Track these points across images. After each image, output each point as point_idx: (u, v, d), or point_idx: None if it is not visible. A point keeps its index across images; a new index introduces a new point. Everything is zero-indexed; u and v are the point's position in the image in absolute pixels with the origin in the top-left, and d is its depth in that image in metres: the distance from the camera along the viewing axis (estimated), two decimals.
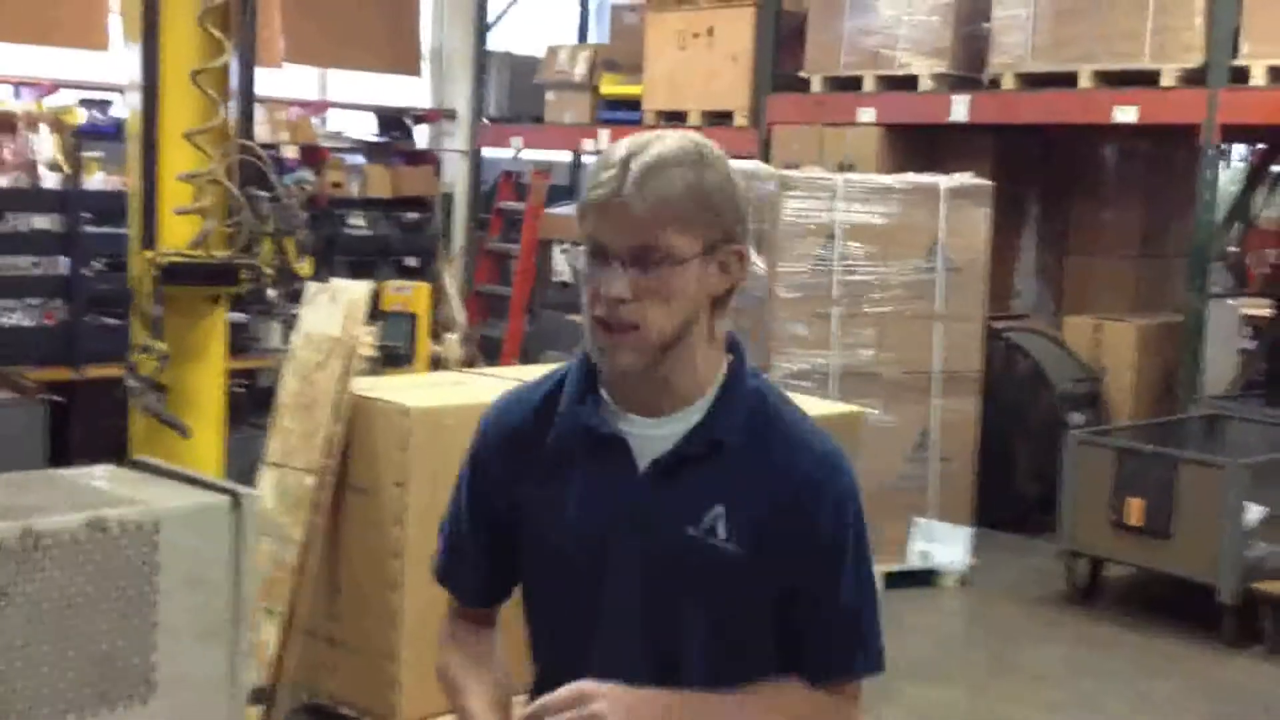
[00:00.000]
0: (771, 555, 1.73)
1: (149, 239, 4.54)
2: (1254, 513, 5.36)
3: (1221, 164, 11.32)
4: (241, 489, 1.93)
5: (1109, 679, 5.02)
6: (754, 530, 1.73)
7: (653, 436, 1.75)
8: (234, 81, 4.95)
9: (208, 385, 4.83)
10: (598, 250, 1.68)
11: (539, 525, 1.81)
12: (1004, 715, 4.72)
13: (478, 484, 1.89)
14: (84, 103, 7.77)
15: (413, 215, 9.43)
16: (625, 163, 1.66)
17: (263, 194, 4.84)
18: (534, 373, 5.00)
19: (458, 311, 9.51)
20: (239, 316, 5.51)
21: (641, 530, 1.74)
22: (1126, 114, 6.68)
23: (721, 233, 1.70)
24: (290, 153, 8.70)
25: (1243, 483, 5.31)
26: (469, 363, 8.03)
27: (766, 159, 7.64)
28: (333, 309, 4.01)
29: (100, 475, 2.06)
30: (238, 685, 1.93)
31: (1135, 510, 5.53)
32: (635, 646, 1.77)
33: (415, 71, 10.14)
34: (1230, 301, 8.64)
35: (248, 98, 4.94)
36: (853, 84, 7.78)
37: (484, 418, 1.91)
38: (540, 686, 1.81)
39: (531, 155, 10.10)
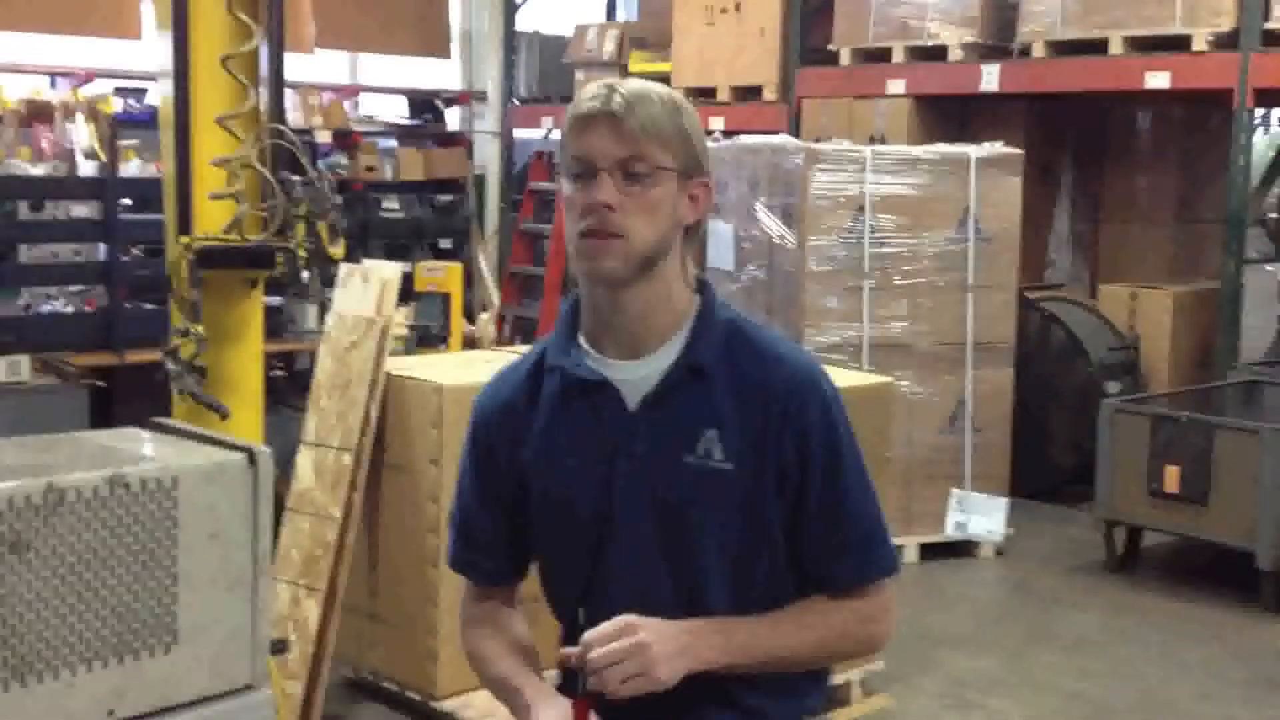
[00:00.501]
0: (769, 469, 1.81)
1: (184, 224, 4.60)
2: None
3: (1259, 129, 11.24)
4: (257, 447, 2.00)
5: (1146, 646, 5.01)
6: (748, 447, 1.80)
7: (638, 378, 1.83)
8: (264, 66, 5.01)
9: (245, 367, 4.90)
10: (585, 166, 1.77)
11: (544, 481, 1.88)
12: (1042, 683, 4.73)
13: (481, 465, 1.95)
14: (119, 91, 7.85)
15: (446, 197, 9.48)
16: (610, 88, 1.78)
17: (295, 178, 4.90)
18: None
19: (492, 291, 9.56)
20: (275, 300, 5.57)
21: (641, 465, 1.82)
22: (1158, 79, 6.63)
23: (695, 162, 1.82)
24: (323, 137, 8.77)
25: None
26: (503, 341, 8.08)
27: (796, 133, 7.64)
28: (365, 290, 4.06)
29: (122, 437, 2.14)
30: (258, 635, 2.00)
31: (1172, 478, 5.52)
32: (655, 582, 1.83)
33: (445, 54, 10.17)
34: (1269, 267, 8.58)
35: (278, 82, 4.99)
36: (882, 55, 7.76)
37: (476, 400, 1.99)
38: (570, 638, 1.85)
39: None
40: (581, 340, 1.88)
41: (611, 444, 1.83)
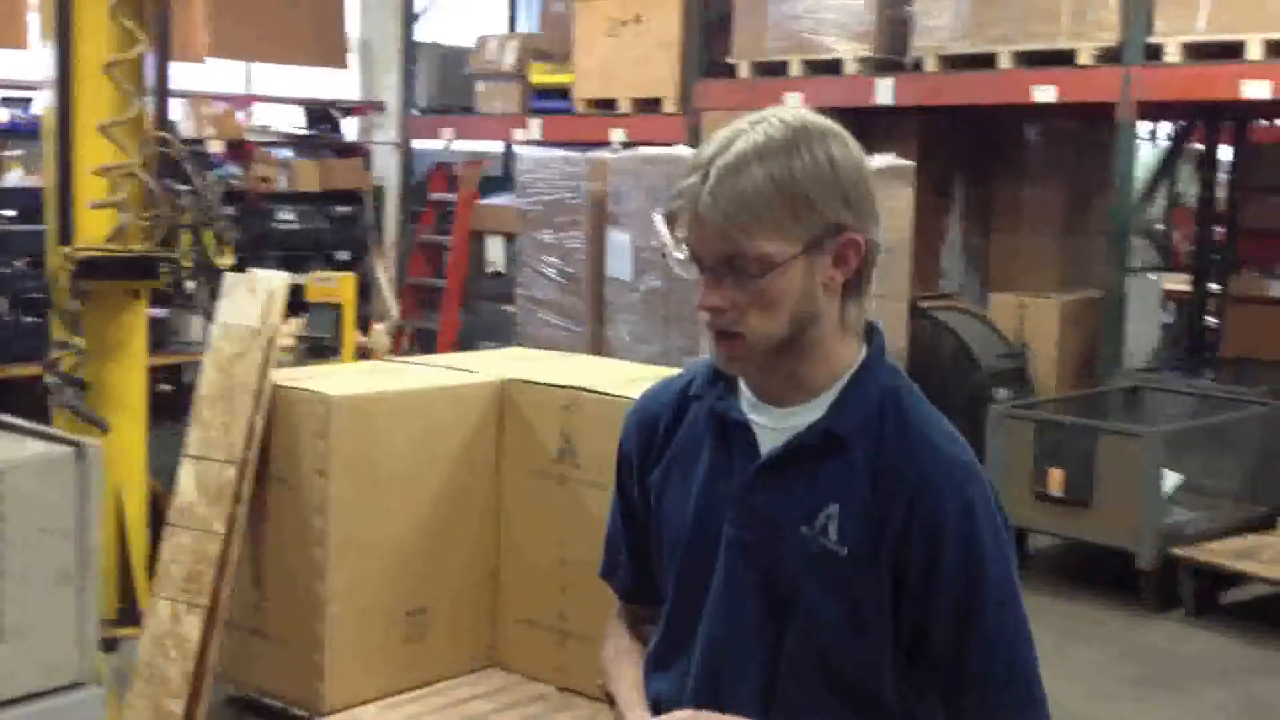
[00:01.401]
0: (889, 562, 1.59)
1: (65, 234, 4.51)
2: (1171, 480, 5.48)
3: (1148, 143, 11.55)
4: (86, 440, 1.97)
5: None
6: (867, 533, 1.59)
7: (780, 427, 1.66)
8: (150, 74, 4.94)
9: (129, 381, 4.81)
10: (692, 257, 1.60)
11: (667, 511, 1.76)
12: None
13: (622, 478, 1.87)
14: (4, 101, 7.68)
15: (343, 208, 9.39)
16: (707, 165, 1.56)
17: (181, 187, 4.83)
18: (470, 361, 4.97)
19: (391, 303, 9.49)
20: (159, 312, 5.47)
21: (754, 522, 1.66)
22: (1045, 93, 6.78)
23: (824, 225, 1.56)
24: (216, 148, 8.64)
25: (1160, 451, 5.43)
26: (401, 353, 8.02)
27: (697, 144, 7.67)
28: (251, 300, 4.00)
29: None
30: (87, 631, 1.97)
31: (1057, 481, 5.64)
32: (742, 645, 1.67)
33: (342, 64, 10.09)
34: (1152, 276, 8.80)
35: (164, 90, 4.92)
36: (780, 69, 7.85)
37: (629, 410, 1.87)
38: (656, 662, 1.79)
39: (463, 146, 10.08)
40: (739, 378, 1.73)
41: (733, 492, 1.67)
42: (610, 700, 1.83)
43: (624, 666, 1.83)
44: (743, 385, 1.70)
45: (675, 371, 1.90)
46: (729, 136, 1.58)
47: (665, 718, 1.62)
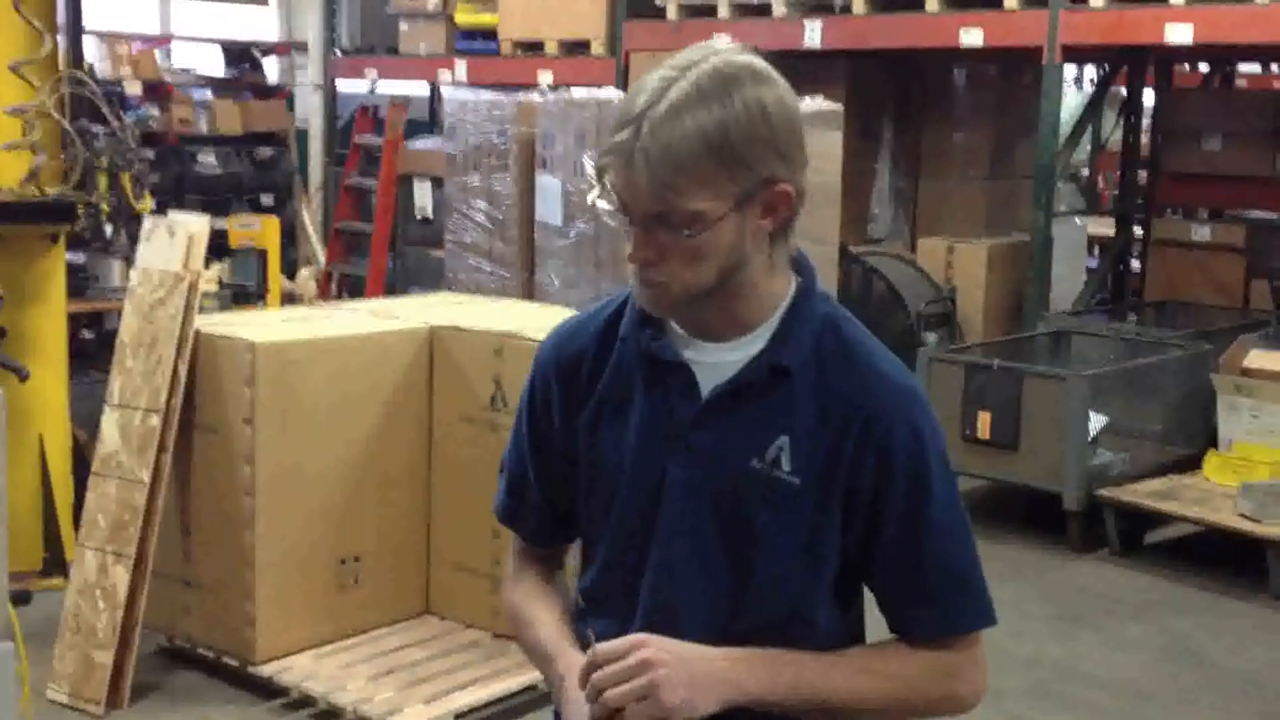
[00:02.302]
0: (837, 491, 1.61)
1: None
2: (1096, 422, 5.56)
3: (1075, 87, 11.64)
4: None
5: None
6: (820, 463, 1.61)
7: (718, 363, 1.64)
8: (62, 12, 4.79)
9: (48, 327, 4.72)
10: (622, 208, 1.57)
11: (598, 453, 1.71)
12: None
13: (536, 418, 1.79)
14: None
15: (266, 151, 9.23)
16: (639, 118, 1.51)
17: (97, 128, 4.70)
18: (398, 307, 4.91)
19: (317, 248, 9.35)
20: (78, 257, 5.34)
21: (702, 461, 1.64)
22: (972, 36, 6.79)
23: (756, 178, 1.54)
24: (134, 89, 8.44)
25: (1084, 393, 5.50)
26: (328, 298, 7.91)
27: (625, 87, 7.62)
28: (171, 244, 3.91)
29: None
30: None
31: (984, 424, 5.70)
32: (690, 591, 1.66)
33: (262, 1, 9.86)
34: (1078, 221, 8.90)
35: (77, 28, 4.79)
36: (709, 10, 7.78)
37: (540, 348, 1.79)
38: (590, 607, 1.74)
39: (388, 87, 9.91)
40: None
41: (674, 431, 1.65)
42: (527, 644, 1.78)
43: (540, 610, 1.78)
44: (672, 323, 1.67)
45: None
46: (660, 86, 1.53)
47: (614, 642, 1.57)
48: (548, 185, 6.40)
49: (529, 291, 6.53)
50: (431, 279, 7.64)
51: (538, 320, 4.09)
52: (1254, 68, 11.26)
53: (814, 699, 1.61)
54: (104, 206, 4.49)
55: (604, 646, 1.56)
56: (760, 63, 1.59)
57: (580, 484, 1.76)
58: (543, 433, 1.78)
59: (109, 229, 4.56)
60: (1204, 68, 10.06)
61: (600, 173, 1.58)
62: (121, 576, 3.79)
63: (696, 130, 1.50)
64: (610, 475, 1.70)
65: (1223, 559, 5.41)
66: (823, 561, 1.65)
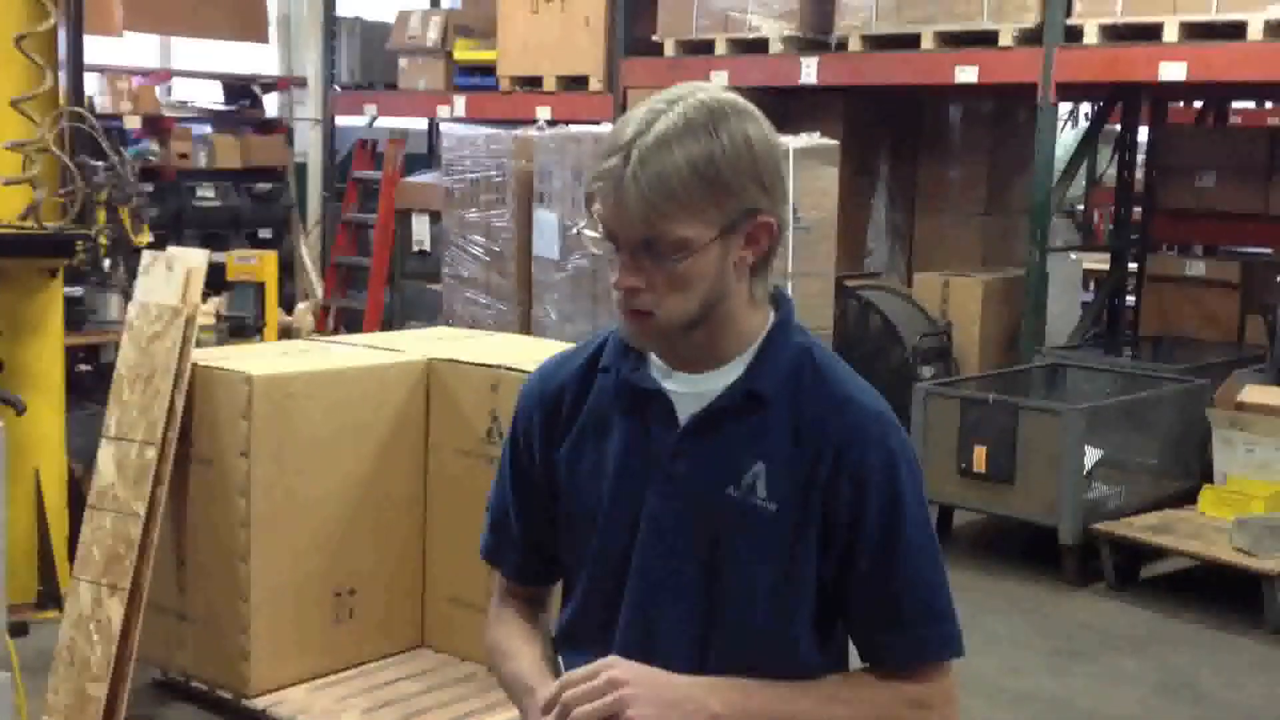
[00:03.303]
0: (814, 519, 1.64)
1: None
2: (1091, 456, 5.57)
3: (1069, 124, 11.71)
4: None
5: None
6: (796, 490, 1.63)
7: (696, 393, 1.67)
8: (63, 48, 4.82)
9: (46, 361, 4.73)
10: (609, 236, 1.60)
11: (577, 484, 1.74)
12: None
13: (519, 457, 1.81)
14: None
15: (265, 186, 9.26)
16: (628, 146, 1.56)
17: (96, 163, 4.74)
18: (395, 340, 4.92)
19: (314, 282, 9.38)
20: (76, 290, 5.36)
21: (679, 490, 1.66)
22: (967, 74, 6.84)
23: (740, 209, 1.58)
24: (134, 124, 8.47)
25: (1080, 427, 5.51)
26: (326, 333, 7.93)
27: None
28: (169, 278, 3.93)
29: None
30: None
31: (980, 457, 5.70)
32: (667, 621, 1.68)
33: (263, 38, 9.92)
34: (1073, 256, 8.94)
35: (78, 64, 4.82)
36: (705, 47, 7.84)
37: (525, 384, 1.83)
38: (566, 642, 1.75)
39: (387, 123, 9.97)
40: None
41: (653, 460, 1.67)
42: (505, 678, 1.78)
43: (520, 644, 1.79)
44: (652, 355, 1.71)
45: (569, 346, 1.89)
46: (647, 117, 1.57)
47: (586, 668, 1.58)
48: (545, 220, 6.44)
49: (526, 325, 6.56)
50: (429, 313, 7.66)
51: (534, 354, 4.10)
52: (1248, 104, 11.33)
53: None
54: (103, 240, 4.52)
55: (575, 672, 1.58)
56: (742, 100, 1.64)
57: (560, 518, 1.77)
58: (525, 469, 1.81)
59: (107, 263, 4.59)
60: (1198, 104, 10.13)
61: (589, 200, 1.62)
62: (116, 609, 3.79)
63: (685, 158, 1.55)
64: (590, 506, 1.72)
65: (1219, 593, 5.40)
66: (801, 589, 1.66)
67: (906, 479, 1.66)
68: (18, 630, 4.07)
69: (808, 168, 6.33)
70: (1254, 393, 5.92)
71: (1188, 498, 5.86)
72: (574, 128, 6.59)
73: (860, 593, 1.66)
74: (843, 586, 1.67)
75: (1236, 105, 10.83)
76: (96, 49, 8.53)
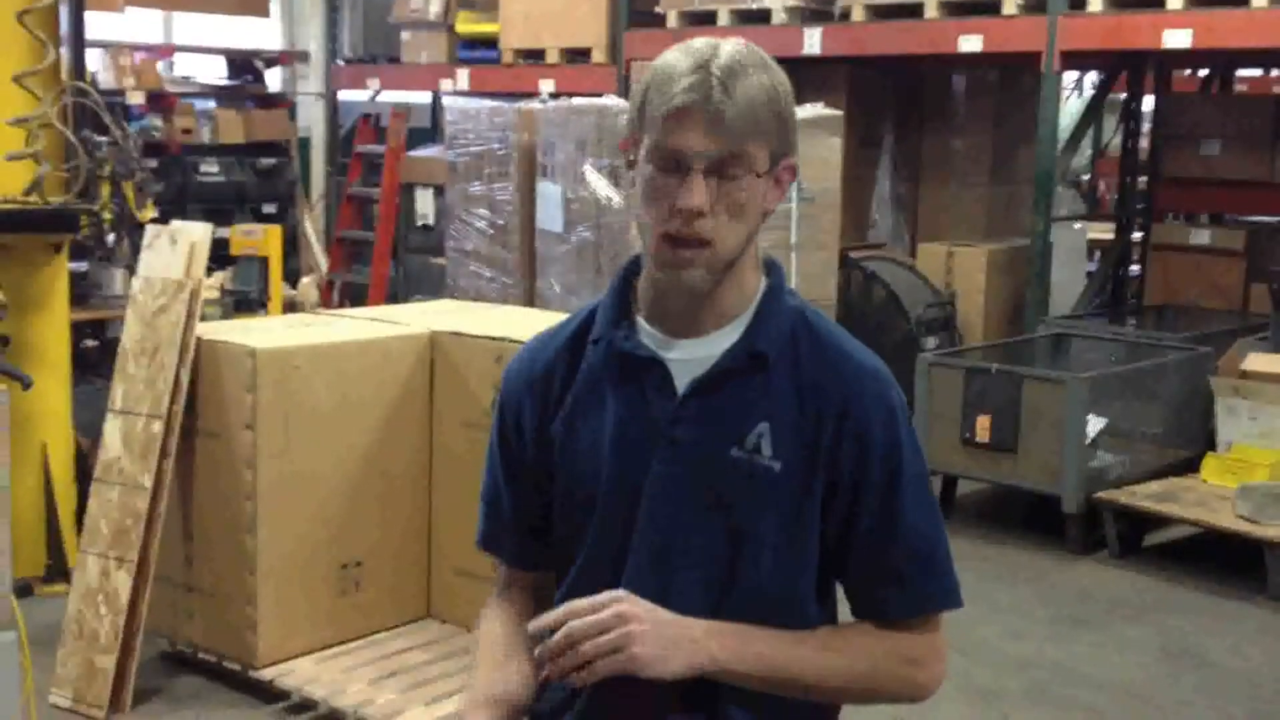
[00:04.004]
0: (819, 476, 1.65)
1: None
2: (1094, 425, 5.58)
3: (1075, 93, 11.66)
4: None
5: None
6: (800, 449, 1.64)
7: (691, 359, 1.67)
8: (65, 23, 4.82)
9: (51, 335, 4.75)
10: (673, 161, 1.57)
11: (570, 460, 1.72)
12: None
13: (508, 438, 1.80)
14: None
15: (268, 160, 9.26)
16: (704, 68, 1.55)
17: (100, 138, 4.74)
18: (399, 314, 4.94)
19: (319, 256, 9.39)
20: (80, 265, 5.38)
21: (683, 455, 1.66)
22: (971, 43, 6.82)
23: (784, 145, 1.62)
24: (137, 99, 8.47)
25: (1083, 396, 5.52)
26: (330, 307, 7.94)
27: (626, 95, 7.65)
28: (174, 252, 3.94)
29: None
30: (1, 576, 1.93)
31: (984, 427, 5.71)
32: (677, 586, 1.66)
33: (264, 12, 9.91)
34: (1078, 225, 8.92)
35: (80, 39, 4.83)
36: (708, 18, 7.81)
37: (508, 367, 1.82)
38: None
39: (390, 96, 9.96)
40: (636, 311, 1.71)
41: (653, 428, 1.66)
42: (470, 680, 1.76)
43: (488, 659, 1.75)
44: (642, 323, 1.70)
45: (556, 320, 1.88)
46: (705, 50, 1.58)
47: (593, 599, 1.58)
48: (549, 192, 6.43)
49: (530, 298, 6.56)
50: (433, 287, 7.67)
51: (538, 326, 4.07)
52: (1253, 71, 11.28)
53: (780, 674, 1.65)
54: (107, 216, 4.53)
55: (580, 602, 1.58)
56: None
57: (558, 496, 1.75)
58: (516, 452, 1.79)
59: (111, 238, 4.60)
60: (1203, 72, 10.08)
61: (654, 126, 1.57)
62: (124, 582, 3.82)
63: (759, 84, 1.57)
64: (589, 480, 1.71)
65: (1221, 560, 5.42)
66: (806, 548, 1.68)
67: (906, 435, 1.68)
68: (22, 590, 4.11)
69: (812, 138, 6.32)
70: (1257, 361, 5.92)
71: (1191, 466, 5.87)
72: (577, 100, 6.57)
73: (863, 549, 1.68)
74: (845, 543, 1.69)
75: (1242, 73, 10.77)
76: (98, 24, 8.53)
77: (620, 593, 1.60)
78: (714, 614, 1.66)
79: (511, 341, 3.97)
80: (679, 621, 1.61)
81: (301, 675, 3.86)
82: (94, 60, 8.51)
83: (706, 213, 1.57)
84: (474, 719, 1.67)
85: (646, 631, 1.57)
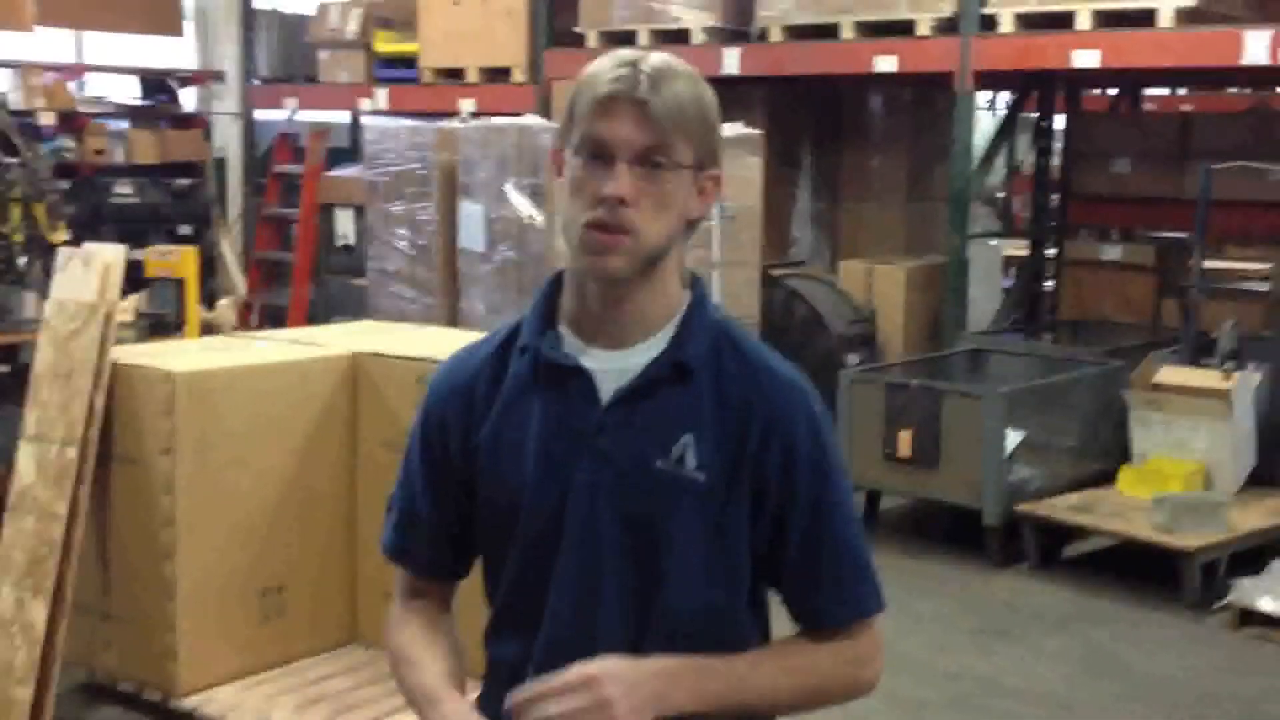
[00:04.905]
0: (744, 488, 1.66)
1: None
2: (1012, 439, 5.66)
3: (988, 112, 11.87)
4: None
5: None
6: (724, 461, 1.65)
7: (616, 369, 1.68)
8: None
9: None
10: (600, 151, 1.61)
11: (494, 470, 1.72)
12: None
13: (431, 447, 1.79)
14: None
15: (184, 181, 9.12)
16: (634, 65, 1.61)
17: (9, 159, 4.65)
18: (319, 335, 4.87)
19: (236, 278, 9.26)
20: None
21: (607, 466, 1.66)
22: (886, 63, 6.92)
23: (709, 153, 1.67)
24: (48, 120, 8.30)
25: (1001, 411, 5.60)
26: (249, 328, 7.83)
27: (547, 114, 7.65)
28: (86, 274, 3.87)
29: None
30: None
31: (905, 442, 5.78)
32: (601, 600, 1.67)
33: (177, 31, 9.77)
34: (993, 242, 9.07)
35: None
36: (628, 38, 7.84)
37: (432, 378, 1.82)
38: (497, 631, 1.75)
39: (307, 116, 9.87)
40: (561, 326, 1.72)
41: (578, 438, 1.67)
42: (407, 687, 1.76)
43: (423, 652, 1.76)
44: (566, 333, 1.71)
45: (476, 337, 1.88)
46: (637, 53, 1.64)
47: (545, 683, 1.57)
48: (470, 212, 6.41)
49: (454, 318, 6.53)
50: (355, 308, 7.59)
51: (461, 346, 4.09)
52: (1161, 90, 11.57)
53: (738, 704, 1.66)
54: (17, 238, 4.44)
55: (552, 683, 1.56)
56: None
57: (482, 506, 1.75)
58: (438, 461, 1.79)
59: (23, 261, 4.51)
60: (1112, 92, 10.32)
61: (582, 116, 1.63)
62: (39, 612, 3.73)
63: (687, 89, 1.63)
64: (513, 489, 1.71)
65: (1138, 570, 5.53)
66: (733, 561, 1.69)
67: (829, 443, 1.71)
68: None
69: (733, 157, 6.36)
70: (1169, 373, 6.05)
71: (1107, 478, 5.98)
72: (497, 119, 6.57)
73: (795, 559, 1.69)
74: (775, 555, 1.70)
75: (1149, 92, 11.04)
76: (8, 44, 8.38)
77: (591, 671, 1.58)
78: (641, 625, 1.67)
79: (434, 361, 3.94)
80: (645, 678, 1.61)
81: (223, 703, 3.80)
82: (3, 80, 8.35)
83: (631, 202, 1.60)
84: (450, 700, 1.68)
85: (625, 709, 1.57)
